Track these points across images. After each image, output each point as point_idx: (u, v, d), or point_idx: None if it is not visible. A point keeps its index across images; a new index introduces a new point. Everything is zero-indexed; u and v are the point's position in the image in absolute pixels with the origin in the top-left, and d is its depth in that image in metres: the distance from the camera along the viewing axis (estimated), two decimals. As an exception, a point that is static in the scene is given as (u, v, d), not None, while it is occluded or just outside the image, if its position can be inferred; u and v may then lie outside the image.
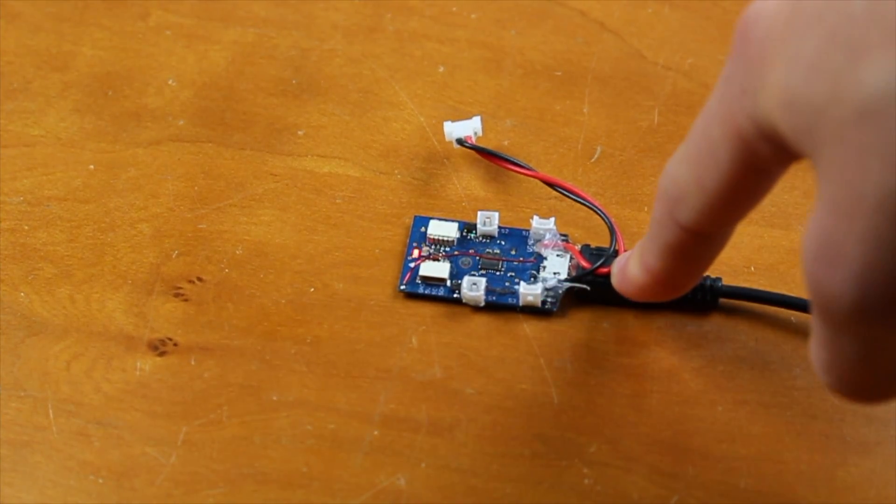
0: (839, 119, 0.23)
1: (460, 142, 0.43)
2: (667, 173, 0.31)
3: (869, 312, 0.24)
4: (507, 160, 0.42)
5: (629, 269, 0.35)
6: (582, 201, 0.41)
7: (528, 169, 0.42)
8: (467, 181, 0.43)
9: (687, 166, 0.30)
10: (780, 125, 0.25)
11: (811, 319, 0.27)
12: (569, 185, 0.41)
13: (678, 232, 0.31)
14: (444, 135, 0.43)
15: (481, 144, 0.43)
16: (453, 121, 0.43)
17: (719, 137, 0.28)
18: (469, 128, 0.43)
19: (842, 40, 0.23)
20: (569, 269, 0.40)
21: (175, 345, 0.39)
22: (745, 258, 0.40)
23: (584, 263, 0.39)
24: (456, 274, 0.40)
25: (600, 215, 0.40)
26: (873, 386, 0.27)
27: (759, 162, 0.28)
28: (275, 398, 0.38)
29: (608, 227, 0.40)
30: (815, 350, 0.27)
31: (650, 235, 0.33)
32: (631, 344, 0.39)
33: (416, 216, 0.42)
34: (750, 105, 0.26)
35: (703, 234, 0.31)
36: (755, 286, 0.40)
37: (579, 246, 0.40)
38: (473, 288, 0.39)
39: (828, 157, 0.24)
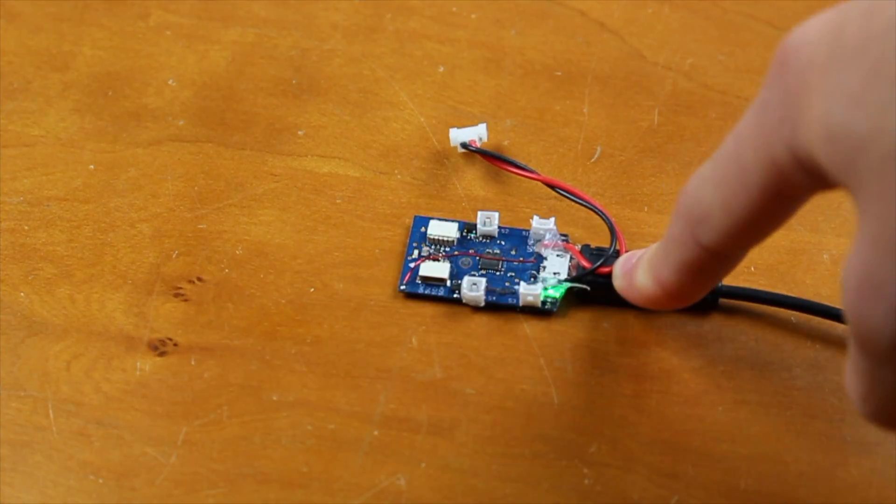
0: (882, 155, 0.23)
1: (465, 145, 0.43)
2: (689, 193, 0.30)
3: None
4: (509, 163, 0.42)
5: (638, 280, 0.35)
6: (582, 202, 0.41)
7: (530, 172, 0.42)
8: (467, 181, 0.43)
9: (714, 188, 0.29)
10: (820, 158, 0.25)
11: (848, 349, 0.27)
12: (569, 186, 0.41)
13: (698, 251, 0.31)
14: (444, 135, 0.43)
15: (482, 146, 0.43)
16: (459, 127, 0.43)
17: (752, 164, 0.28)
18: (474, 134, 0.43)
19: (885, 75, 0.23)
20: (569, 269, 0.40)
21: (175, 345, 0.39)
22: (745, 258, 0.40)
23: (584, 263, 0.39)
24: (456, 274, 0.40)
25: (600, 215, 0.40)
26: None
27: (791, 190, 0.27)
28: (275, 398, 0.38)
29: (608, 227, 0.40)
30: (852, 380, 0.27)
31: (666, 251, 0.33)
32: (631, 344, 0.39)
33: (416, 216, 0.42)
34: (788, 135, 0.26)
35: (724, 254, 0.31)
36: (755, 286, 0.40)
37: (579, 246, 0.40)
38: (473, 288, 0.39)
39: (869, 193, 0.24)
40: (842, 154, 0.24)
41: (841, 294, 0.25)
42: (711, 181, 0.29)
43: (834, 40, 0.25)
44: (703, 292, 0.34)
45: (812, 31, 0.26)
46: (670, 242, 0.32)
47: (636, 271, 0.35)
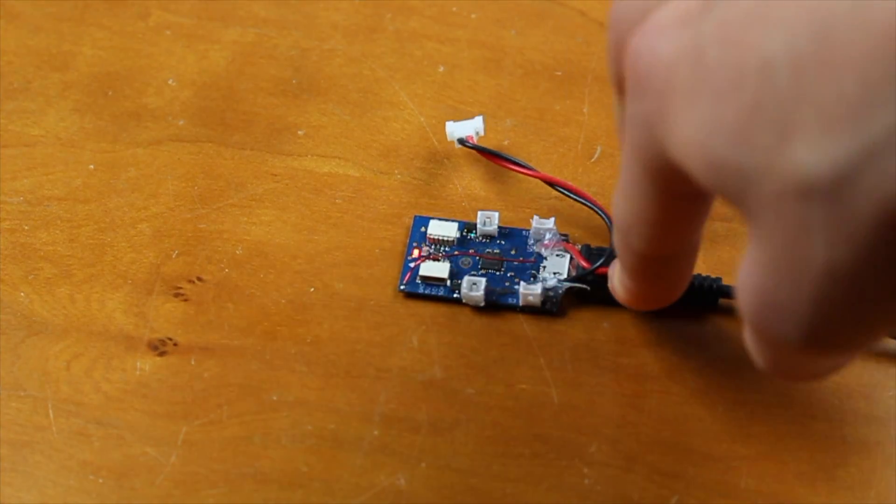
0: (776, 193, 0.23)
1: (462, 142, 0.43)
2: (613, 206, 0.30)
3: (813, 351, 0.25)
4: (508, 160, 0.42)
5: (615, 284, 0.36)
6: (583, 201, 0.41)
7: (529, 169, 0.42)
8: (467, 181, 0.43)
9: (624, 201, 0.29)
10: (702, 180, 0.25)
11: (746, 330, 0.27)
12: (570, 184, 0.41)
13: (638, 259, 0.31)
14: (444, 134, 0.43)
15: (482, 144, 0.43)
16: (455, 120, 0.43)
17: (641, 175, 0.28)
18: (471, 128, 0.43)
19: (769, 116, 0.23)
20: (569, 269, 0.40)
21: (175, 345, 0.39)
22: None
23: (584, 263, 0.39)
24: (456, 274, 0.40)
25: (601, 215, 0.40)
26: (810, 378, 0.29)
27: (689, 190, 0.27)
28: (275, 398, 0.38)
29: (608, 227, 0.40)
30: (756, 353, 0.28)
31: (619, 259, 0.33)
32: (631, 344, 0.39)
33: (416, 216, 0.42)
34: (661, 149, 0.26)
35: (663, 256, 0.31)
36: (755, 286, 0.40)
37: (579, 246, 0.40)
38: (473, 288, 0.39)
39: (764, 223, 0.24)
40: (729, 183, 0.24)
41: (738, 303, 0.25)
42: (621, 194, 0.29)
43: (693, 66, 0.24)
44: (674, 290, 0.34)
45: (665, 47, 0.25)
46: (618, 252, 0.33)
47: (614, 278, 0.36)
